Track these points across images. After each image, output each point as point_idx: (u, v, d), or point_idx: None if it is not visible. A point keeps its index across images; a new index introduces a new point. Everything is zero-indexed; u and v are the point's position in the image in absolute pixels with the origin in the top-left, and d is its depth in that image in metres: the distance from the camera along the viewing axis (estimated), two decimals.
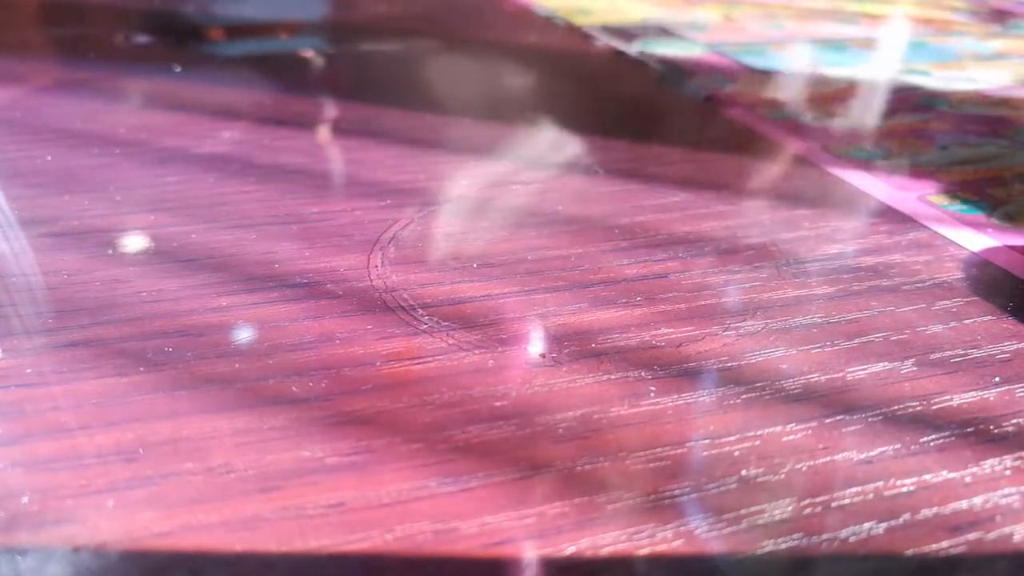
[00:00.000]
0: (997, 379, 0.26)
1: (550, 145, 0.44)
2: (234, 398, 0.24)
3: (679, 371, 0.26)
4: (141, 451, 0.22)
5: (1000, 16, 0.77)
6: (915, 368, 0.26)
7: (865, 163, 0.42)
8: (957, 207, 0.38)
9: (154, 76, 0.55)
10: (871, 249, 0.34)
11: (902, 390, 0.25)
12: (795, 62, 0.59)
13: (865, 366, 0.26)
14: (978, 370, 0.26)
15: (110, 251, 0.32)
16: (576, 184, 0.40)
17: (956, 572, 0.20)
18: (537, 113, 0.50)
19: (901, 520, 0.21)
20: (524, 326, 0.28)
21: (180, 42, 0.64)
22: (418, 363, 0.26)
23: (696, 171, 0.41)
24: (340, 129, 0.47)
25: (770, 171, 0.42)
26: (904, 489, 0.22)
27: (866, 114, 0.49)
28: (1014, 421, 0.24)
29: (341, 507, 0.21)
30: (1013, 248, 0.34)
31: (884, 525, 0.21)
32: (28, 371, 0.25)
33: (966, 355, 0.27)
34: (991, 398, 0.25)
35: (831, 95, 0.53)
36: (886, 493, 0.22)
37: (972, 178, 0.41)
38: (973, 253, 0.34)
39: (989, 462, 0.23)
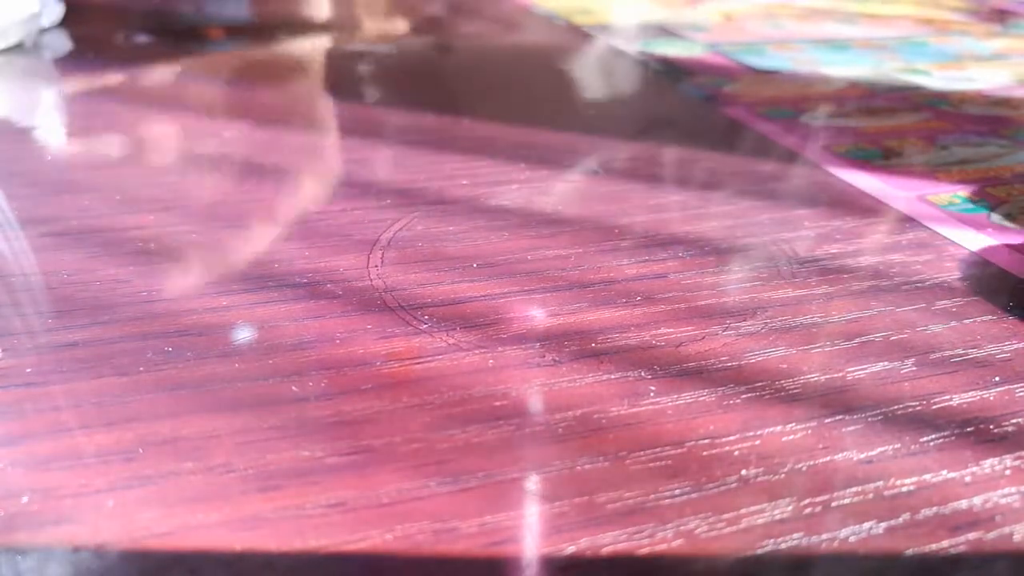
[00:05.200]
0: (997, 379, 0.26)
1: (550, 144, 0.44)
2: (234, 398, 0.24)
3: (679, 371, 0.26)
4: (141, 451, 0.22)
5: (1000, 16, 0.77)
6: (915, 368, 0.26)
7: (865, 162, 0.42)
8: (957, 207, 0.38)
9: (154, 75, 0.55)
10: (871, 249, 0.34)
11: (902, 390, 0.25)
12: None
13: (865, 366, 0.26)
14: (978, 370, 0.26)
15: (110, 251, 0.32)
16: (576, 184, 0.40)
17: (956, 572, 0.20)
18: (536, 112, 0.50)
19: (901, 520, 0.21)
20: (524, 326, 0.28)
21: (180, 42, 0.64)
22: (418, 363, 0.26)
23: (696, 171, 0.41)
24: (340, 129, 0.47)
25: (770, 170, 0.42)
26: (904, 489, 0.22)
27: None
28: (1014, 421, 0.24)
29: (341, 507, 0.21)
30: (1013, 247, 0.34)
31: (884, 525, 0.21)
32: (28, 371, 0.25)
33: (966, 355, 0.27)
34: (991, 398, 0.25)
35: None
36: (886, 493, 0.22)
37: (972, 177, 0.41)
38: (973, 253, 0.34)
39: (989, 462, 0.23)
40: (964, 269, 0.32)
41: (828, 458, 0.23)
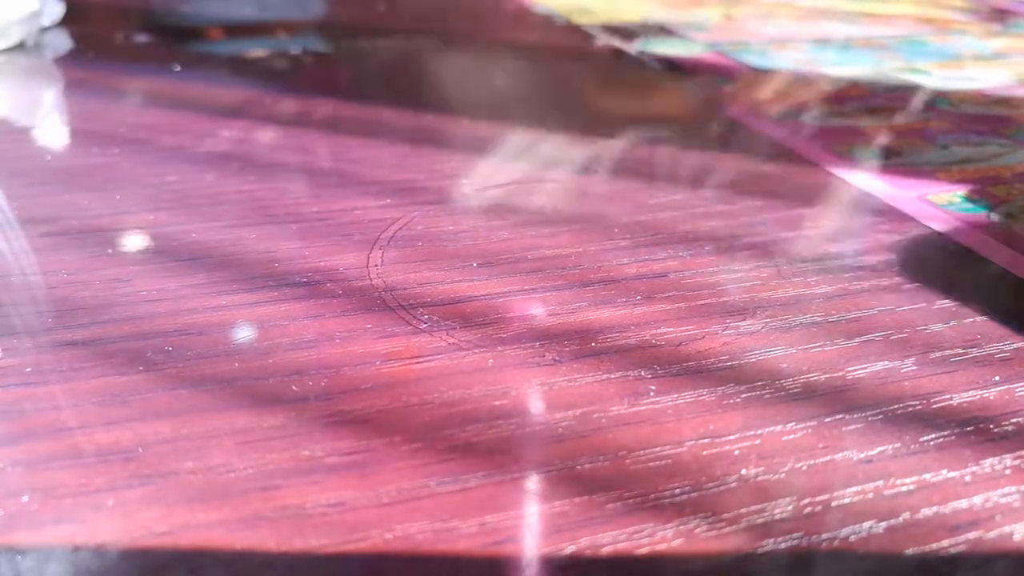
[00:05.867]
0: (997, 378, 0.26)
1: (550, 144, 0.44)
2: (234, 397, 0.24)
3: (679, 370, 0.26)
4: (141, 450, 0.22)
5: (1000, 15, 0.77)
6: (915, 367, 0.26)
7: (865, 162, 0.42)
8: (957, 206, 0.38)
9: (154, 75, 0.55)
10: (871, 248, 0.34)
11: (902, 389, 0.25)
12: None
13: (865, 365, 0.26)
14: (978, 369, 0.26)
15: (110, 250, 0.32)
16: (576, 183, 0.40)
17: (956, 571, 0.20)
18: (536, 112, 0.50)
19: (901, 519, 0.21)
20: (524, 325, 0.28)
21: (180, 41, 0.64)
22: (418, 362, 0.26)
23: (696, 170, 0.41)
24: (340, 128, 0.47)
25: (770, 170, 0.42)
26: (904, 488, 0.22)
27: None
28: (1014, 420, 0.24)
29: (341, 507, 0.21)
30: (1012, 247, 0.34)
31: (884, 524, 0.21)
32: (28, 370, 0.25)
33: (966, 354, 0.27)
34: (991, 397, 0.25)
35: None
36: (886, 492, 0.22)
37: (972, 177, 0.41)
38: (971, 251, 0.34)
39: (989, 461, 0.23)
40: (962, 267, 0.32)
41: (828, 457, 0.23)
